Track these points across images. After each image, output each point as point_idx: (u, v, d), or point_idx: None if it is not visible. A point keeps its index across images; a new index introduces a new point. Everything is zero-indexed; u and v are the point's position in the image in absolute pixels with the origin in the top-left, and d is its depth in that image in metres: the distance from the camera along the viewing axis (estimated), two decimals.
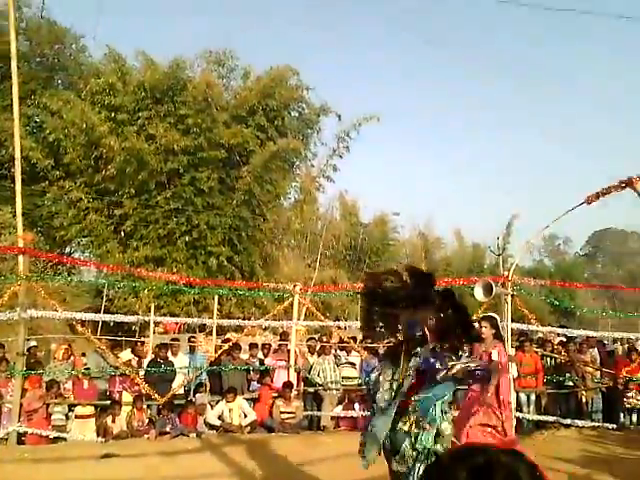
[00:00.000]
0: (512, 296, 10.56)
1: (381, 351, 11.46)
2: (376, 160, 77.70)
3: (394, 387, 4.12)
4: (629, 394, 10.75)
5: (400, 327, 4.30)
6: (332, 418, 10.56)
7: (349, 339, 11.48)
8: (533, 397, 10.58)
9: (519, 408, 10.29)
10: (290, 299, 11.33)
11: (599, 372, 11.13)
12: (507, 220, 30.27)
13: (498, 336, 7.48)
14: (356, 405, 10.50)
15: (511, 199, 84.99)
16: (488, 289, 9.57)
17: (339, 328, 12.28)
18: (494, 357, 6.97)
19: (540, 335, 12.05)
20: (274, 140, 20.16)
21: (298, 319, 12.06)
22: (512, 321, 10.55)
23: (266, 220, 21.33)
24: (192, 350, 11.43)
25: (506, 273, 10.69)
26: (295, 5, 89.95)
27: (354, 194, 29.51)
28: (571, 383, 10.86)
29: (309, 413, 10.54)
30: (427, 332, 4.13)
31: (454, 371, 3.91)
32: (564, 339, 12.20)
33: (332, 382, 10.59)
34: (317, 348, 11.42)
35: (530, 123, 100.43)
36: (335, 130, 23.44)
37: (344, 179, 65.92)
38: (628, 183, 9.21)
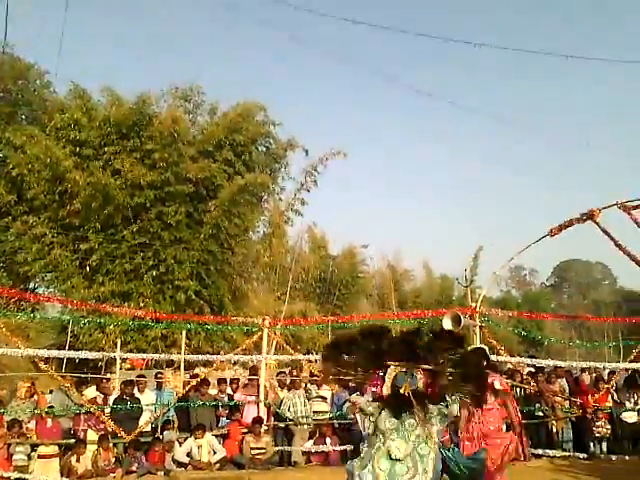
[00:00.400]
0: (480, 327, 10.68)
1: (352, 384, 11.43)
2: (344, 193, 78.43)
3: (412, 438, 4.22)
4: (598, 423, 10.85)
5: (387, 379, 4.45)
6: (303, 453, 10.41)
7: (319, 372, 11.40)
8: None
9: None
10: (259, 333, 11.26)
11: (568, 402, 11.24)
12: (474, 252, 30.74)
13: (490, 367, 7.38)
14: (327, 439, 10.39)
15: (478, 231, 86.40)
16: (456, 320, 9.63)
17: (310, 361, 12.19)
18: (497, 386, 7.18)
19: (509, 366, 12.13)
20: (242, 174, 20.15)
21: (268, 353, 11.96)
22: None
23: (235, 254, 21.21)
24: (159, 386, 11.22)
25: (474, 304, 10.83)
26: (262, 41, 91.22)
27: (323, 227, 29.69)
28: (541, 413, 10.94)
29: (280, 448, 10.37)
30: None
31: None
32: (533, 369, 12.30)
33: (303, 416, 10.47)
34: (287, 382, 11.33)
35: (498, 155, 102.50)
36: (302, 164, 23.64)
37: (312, 212, 66.21)
38: (589, 216, 9.51)
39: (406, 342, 4.52)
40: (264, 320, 11.41)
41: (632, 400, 11.19)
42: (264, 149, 22.74)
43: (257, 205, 22.33)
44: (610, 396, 11.36)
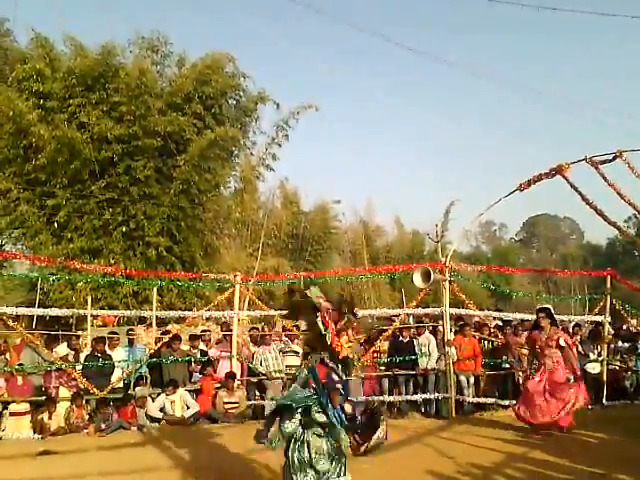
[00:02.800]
0: (450, 282, 10.82)
1: None
2: (316, 148, 77.87)
3: None
4: None
5: None
6: None
7: (292, 327, 11.49)
8: (472, 379, 10.87)
9: (459, 390, 10.58)
10: (231, 289, 11.26)
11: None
12: (445, 207, 30.96)
13: (555, 324, 9.00)
14: None
15: (450, 186, 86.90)
16: (426, 276, 9.80)
17: (282, 317, 12.23)
18: (562, 343, 8.62)
19: (478, 319, 12.36)
20: (211, 128, 19.76)
21: (240, 309, 12.00)
22: (450, 306, 10.81)
23: (206, 209, 21.00)
24: (131, 343, 11.20)
25: (444, 259, 10.92)
26: None
27: (295, 183, 29.61)
28: (507, 365, 11.21)
29: (253, 402, 10.51)
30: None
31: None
32: (500, 323, 12.56)
33: (275, 371, 10.58)
34: (259, 337, 11.40)
35: (469, 111, 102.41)
36: (274, 119, 23.31)
37: (284, 168, 65.70)
38: (558, 170, 9.56)
39: None
40: (236, 276, 11.40)
41: (595, 352, 11.54)
42: (234, 102, 22.29)
43: (228, 160, 22.00)
44: (575, 348, 11.66)
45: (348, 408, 4.73)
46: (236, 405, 10.02)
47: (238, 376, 10.53)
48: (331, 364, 4.86)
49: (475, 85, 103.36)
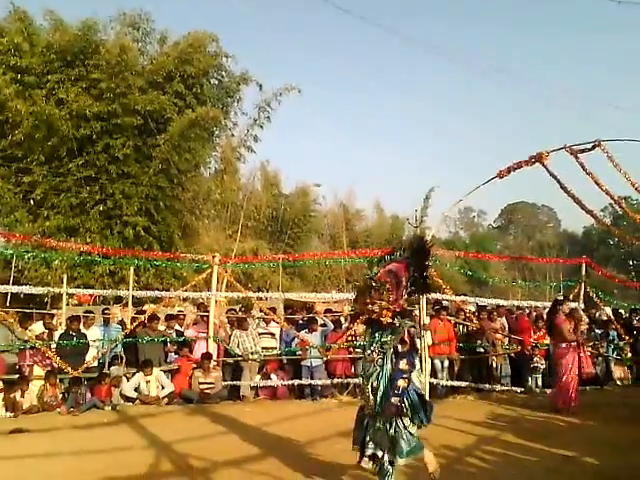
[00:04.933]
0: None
1: (300, 322, 11.61)
2: (298, 131, 77.42)
3: None
4: (535, 359, 11.35)
5: None
6: (252, 388, 10.59)
7: (269, 310, 11.50)
8: (447, 363, 10.98)
9: (433, 374, 10.68)
10: (209, 270, 11.21)
11: (508, 339, 11.67)
12: (425, 193, 31.01)
13: None
14: (273, 375, 10.60)
15: (430, 172, 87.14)
16: None
17: (260, 299, 12.24)
18: None
19: (450, 304, 12.46)
20: (193, 108, 19.61)
21: (218, 290, 11.97)
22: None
23: (185, 190, 20.88)
24: (106, 322, 11.13)
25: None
26: None
27: (276, 165, 29.49)
28: (482, 349, 11.35)
29: (229, 383, 10.52)
30: None
31: None
32: (475, 308, 12.67)
33: (251, 352, 10.60)
34: (237, 319, 11.39)
35: (452, 97, 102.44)
36: (256, 100, 23.15)
37: (266, 149, 65.50)
38: (537, 158, 9.62)
39: None
40: (214, 257, 11.36)
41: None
42: (216, 82, 22.13)
43: (208, 140, 21.86)
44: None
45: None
46: (212, 386, 10.02)
47: (214, 357, 10.53)
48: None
49: (460, 72, 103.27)
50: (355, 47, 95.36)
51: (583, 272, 12.16)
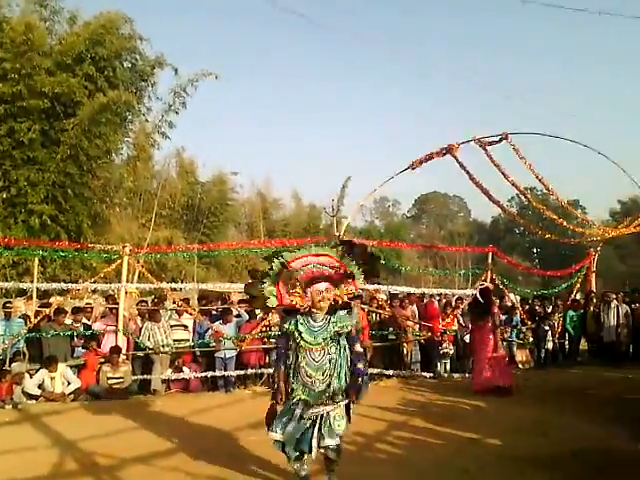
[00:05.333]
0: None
1: (214, 313, 11.48)
2: (215, 118, 76.11)
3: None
4: (444, 345, 11.77)
5: None
6: (163, 381, 10.40)
7: (182, 301, 11.29)
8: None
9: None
10: (119, 261, 10.88)
11: (418, 326, 12.01)
12: (342, 182, 31.33)
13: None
14: (185, 368, 10.44)
15: (347, 161, 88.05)
16: None
17: (174, 290, 11.97)
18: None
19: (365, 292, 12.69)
20: (104, 91, 18.83)
21: (129, 281, 11.65)
22: None
23: (95, 177, 20.11)
24: (8, 316, 10.57)
25: (338, 234, 11.09)
26: None
27: (192, 152, 28.85)
28: (393, 337, 11.65)
29: (139, 377, 10.26)
30: None
31: None
32: (385, 296, 12.93)
33: (163, 345, 10.38)
34: (148, 311, 11.12)
35: (369, 85, 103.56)
36: (171, 85, 22.55)
37: (181, 136, 64.09)
38: (449, 150, 9.94)
39: None
40: (124, 247, 11.03)
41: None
42: (129, 65, 21.34)
43: (121, 126, 21.08)
44: (456, 320, 12.29)
45: None
46: (121, 380, 9.75)
47: (124, 351, 10.25)
48: None
49: (377, 60, 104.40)
50: (275, 34, 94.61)
51: (490, 260, 12.66)
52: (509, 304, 13.60)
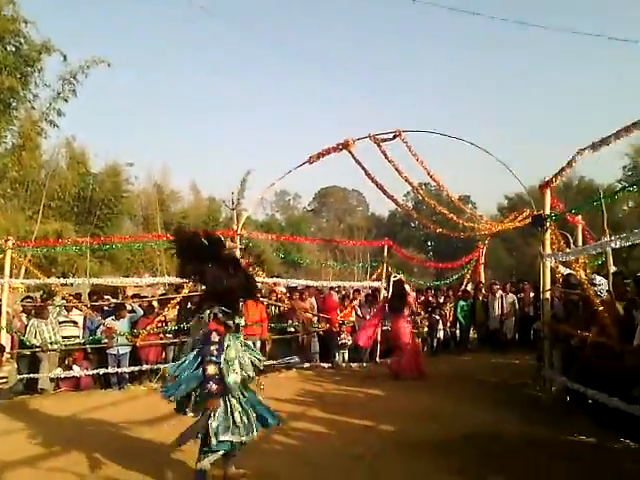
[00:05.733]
0: (242, 249, 10.93)
1: (106, 308, 11.04)
2: (107, 107, 72.98)
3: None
4: (342, 335, 11.98)
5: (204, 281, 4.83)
6: (52, 380, 9.91)
7: (71, 296, 10.77)
8: (258, 344, 11.10)
9: None
10: (1, 255, 10.23)
11: (317, 318, 12.15)
12: (242, 175, 31.10)
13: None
14: (75, 366, 10.00)
15: (247, 155, 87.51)
16: None
17: (64, 285, 11.35)
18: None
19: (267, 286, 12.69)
20: None
21: (16, 276, 11.01)
22: None
23: None
24: None
25: (236, 227, 11.02)
26: None
27: (83, 142, 27.53)
28: (293, 329, 11.72)
29: (25, 376, 9.71)
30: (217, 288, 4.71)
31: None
32: (284, 289, 12.98)
33: (51, 342, 9.88)
34: (34, 307, 10.52)
35: (264, 81, 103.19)
36: (60, 71, 21.39)
37: (72, 126, 61.08)
38: (344, 145, 10.13)
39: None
40: (7, 241, 10.38)
41: (371, 314, 12.45)
42: (13, 49, 20.02)
43: (4, 112, 19.77)
44: (354, 311, 12.54)
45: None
46: (4, 380, 9.20)
47: (8, 349, 9.65)
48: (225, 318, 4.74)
49: (278, 54, 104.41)
50: (170, 23, 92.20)
51: (385, 253, 13.00)
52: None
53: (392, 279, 11.25)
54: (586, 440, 5.98)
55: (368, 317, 12.33)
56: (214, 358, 4.57)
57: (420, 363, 10.44)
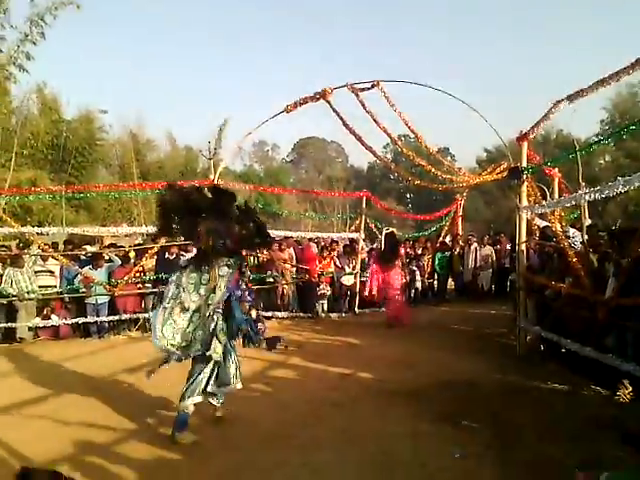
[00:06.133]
0: None
1: (83, 258, 10.95)
2: (79, 51, 70.60)
3: (202, 292, 4.86)
4: (321, 286, 12.06)
5: (200, 236, 4.86)
6: (30, 329, 9.88)
7: (47, 245, 10.64)
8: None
9: None
10: None
11: (296, 268, 12.20)
12: (219, 124, 30.57)
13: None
14: (53, 316, 9.96)
15: (224, 104, 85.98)
16: None
17: (39, 234, 11.17)
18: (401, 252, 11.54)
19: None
20: None
21: None
22: None
23: None
24: None
25: (212, 177, 10.89)
26: None
27: (55, 88, 26.66)
28: (272, 279, 11.76)
29: (3, 325, 9.68)
30: (228, 242, 4.90)
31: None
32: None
33: (28, 292, 9.81)
34: (9, 256, 10.39)
35: (243, 25, 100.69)
36: (27, 13, 20.52)
37: (42, 71, 59.27)
38: (322, 95, 9.97)
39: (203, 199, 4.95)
40: None
41: (350, 265, 12.55)
42: None
43: None
44: (333, 262, 12.60)
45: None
46: None
47: None
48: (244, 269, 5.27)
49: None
50: None
51: (364, 205, 13.00)
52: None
53: (384, 232, 11.35)
54: (559, 387, 6.16)
55: (347, 268, 12.44)
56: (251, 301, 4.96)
57: (408, 312, 10.87)
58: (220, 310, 5.00)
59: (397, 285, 10.88)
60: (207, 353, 4.87)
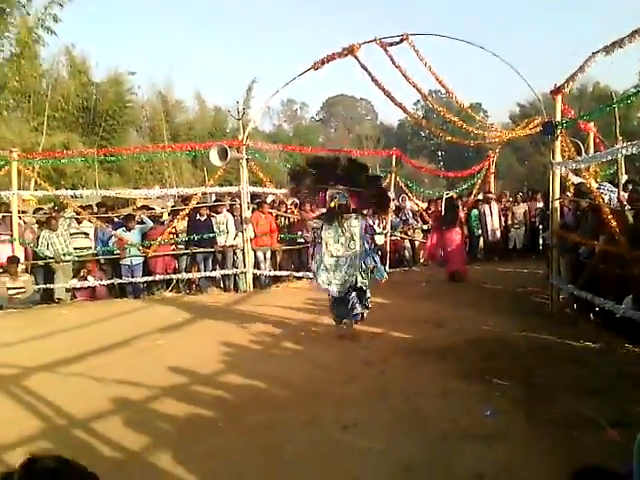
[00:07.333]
0: (247, 160, 10.83)
1: (116, 220, 11.12)
2: (107, 13, 70.35)
3: (342, 241, 6.74)
4: None
5: (328, 198, 6.81)
6: (68, 290, 10.13)
7: (81, 208, 10.82)
8: (269, 254, 11.29)
9: (257, 265, 10.95)
10: (8, 167, 10.20)
11: None
12: (247, 84, 30.35)
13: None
14: (90, 277, 10.18)
15: (252, 63, 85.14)
16: (223, 154, 9.73)
17: (73, 197, 11.34)
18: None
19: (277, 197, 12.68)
20: None
21: (25, 188, 11.00)
22: (249, 184, 10.94)
23: None
24: None
25: (242, 137, 10.85)
26: None
27: (84, 50, 26.68)
28: (303, 240, 11.78)
29: (41, 287, 9.94)
30: (349, 203, 6.80)
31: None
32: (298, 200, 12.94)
33: (64, 254, 10.02)
34: (44, 219, 10.60)
35: None
36: None
37: (71, 33, 59.32)
38: (350, 50, 9.73)
39: (338, 170, 6.97)
40: (12, 152, 10.31)
41: (381, 225, 12.49)
42: None
43: None
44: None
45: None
46: (22, 290, 9.42)
47: (22, 260, 9.82)
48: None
49: None
50: None
51: (394, 163, 12.86)
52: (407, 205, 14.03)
53: (445, 196, 11.77)
54: (591, 346, 6.10)
55: (377, 228, 12.38)
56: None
57: (466, 266, 11.38)
58: (363, 253, 6.70)
59: (458, 242, 11.29)
60: (357, 285, 6.67)
